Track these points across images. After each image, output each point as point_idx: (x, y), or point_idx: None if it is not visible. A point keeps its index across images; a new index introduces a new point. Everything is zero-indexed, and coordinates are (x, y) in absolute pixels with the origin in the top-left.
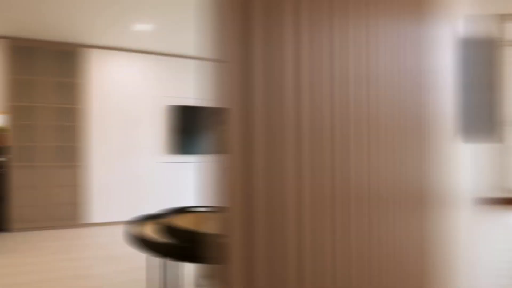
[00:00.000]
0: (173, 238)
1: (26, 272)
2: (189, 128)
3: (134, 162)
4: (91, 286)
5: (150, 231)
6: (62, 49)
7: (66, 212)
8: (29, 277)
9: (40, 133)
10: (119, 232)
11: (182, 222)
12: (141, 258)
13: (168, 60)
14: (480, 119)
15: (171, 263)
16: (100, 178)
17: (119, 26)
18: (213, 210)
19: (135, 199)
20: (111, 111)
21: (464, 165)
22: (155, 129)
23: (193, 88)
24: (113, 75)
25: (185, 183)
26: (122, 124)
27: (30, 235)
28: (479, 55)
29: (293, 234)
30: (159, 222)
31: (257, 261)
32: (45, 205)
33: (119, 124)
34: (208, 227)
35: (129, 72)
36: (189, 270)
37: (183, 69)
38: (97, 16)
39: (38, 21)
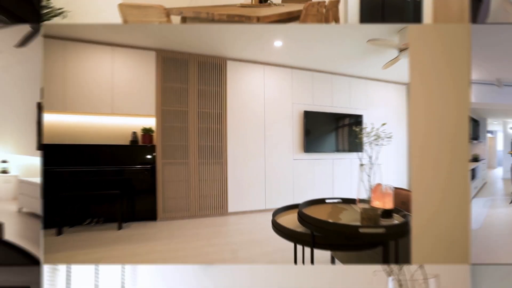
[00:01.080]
0: (309, 226)
1: (179, 256)
2: (317, 130)
3: (268, 160)
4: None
5: (290, 220)
6: (207, 61)
7: (206, 203)
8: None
9: (184, 134)
10: (255, 220)
11: (317, 212)
12: (281, 241)
13: (300, 73)
14: None
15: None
16: (237, 173)
17: (260, 43)
18: (347, 202)
19: (268, 191)
20: (249, 116)
21: None
22: (288, 131)
23: (319, 97)
24: (250, 84)
25: (314, 178)
26: (258, 127)
27: (175, 223)
28: None
29: None
30: (298, 212)
31: None
32: (187, 196)
33: (255, 127)
34: (343, 217)
35: (264, 82)
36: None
37: (312, 81)
38: (240, 33)
39: (188, 36)
